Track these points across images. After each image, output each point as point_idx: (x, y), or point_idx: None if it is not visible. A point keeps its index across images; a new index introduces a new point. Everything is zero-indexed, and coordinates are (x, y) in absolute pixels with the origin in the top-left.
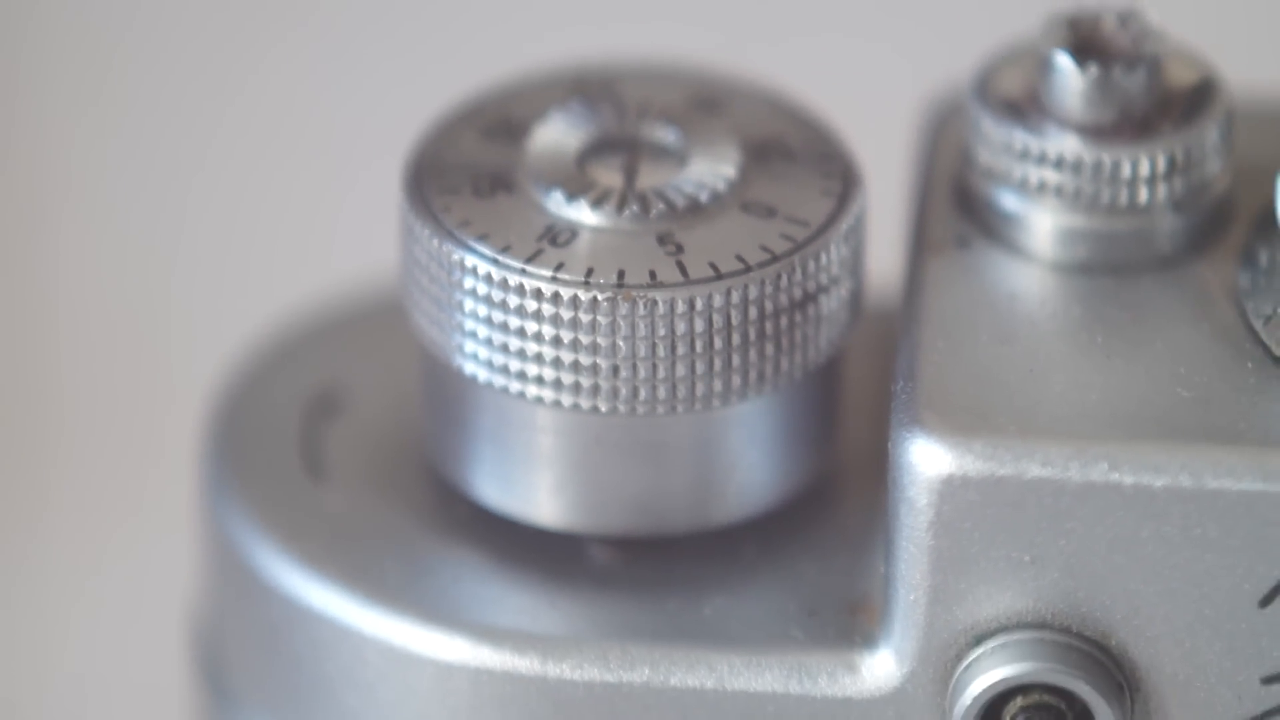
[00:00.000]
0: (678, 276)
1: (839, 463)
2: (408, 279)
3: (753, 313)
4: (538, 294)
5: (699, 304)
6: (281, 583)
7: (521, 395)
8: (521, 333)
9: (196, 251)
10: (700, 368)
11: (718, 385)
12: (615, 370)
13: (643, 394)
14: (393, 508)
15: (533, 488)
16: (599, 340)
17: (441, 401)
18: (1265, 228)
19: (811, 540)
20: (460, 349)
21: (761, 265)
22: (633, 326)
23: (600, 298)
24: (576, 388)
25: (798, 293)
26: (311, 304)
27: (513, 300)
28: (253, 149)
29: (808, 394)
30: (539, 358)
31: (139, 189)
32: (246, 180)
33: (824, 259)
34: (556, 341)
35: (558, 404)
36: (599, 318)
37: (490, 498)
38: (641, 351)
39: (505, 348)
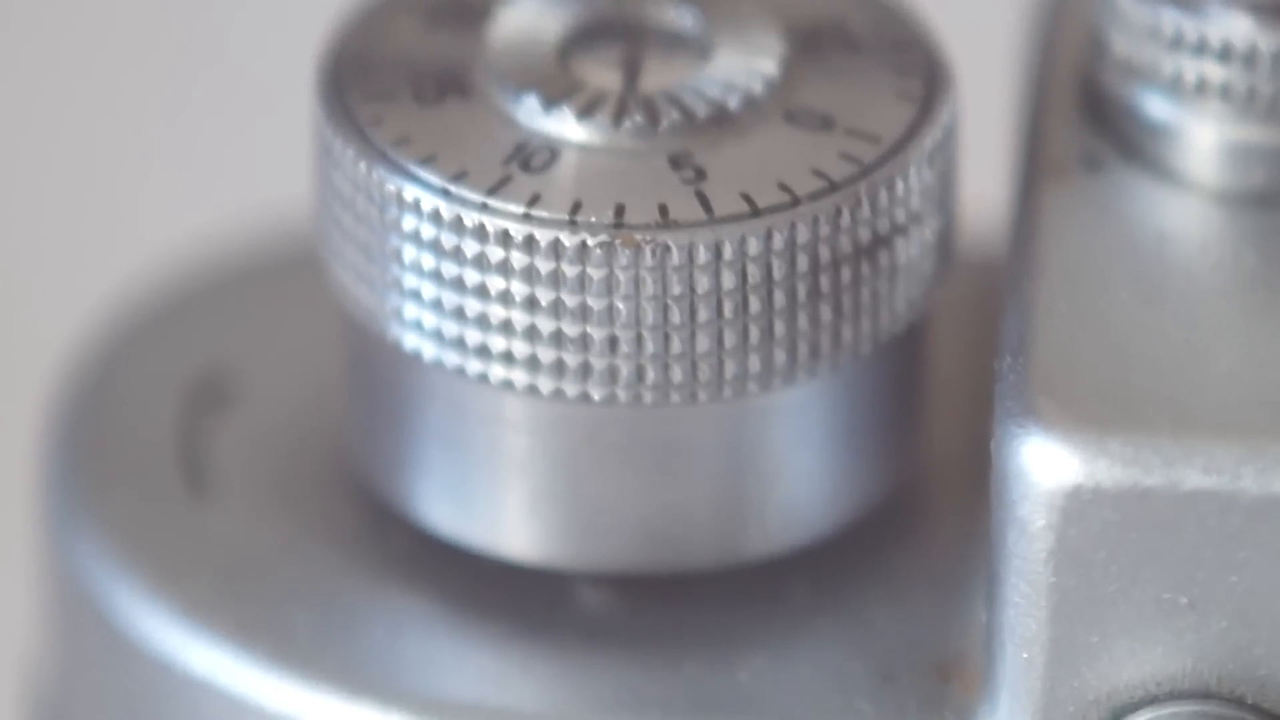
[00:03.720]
0: (698, 213)
1: (922, 471)
2: (325, 219)
3: (803, 263)
4: (504, 238)
5: (728, 251)
6: (152, 639)
7: (483, 378)
8: (483, 292)
9: (35, 193)
10: (730, 340)
11: (755, 364)
12: (612, 343)
13: (651, 376)
14: (304, 536)
15: (499, 507)
16: (590, 302)
17: (372, 389)
18: None
19: (884, 579)
20: (398, 315)
21: (814, 197)
22: (636, 283)
23: (591, 243)
24: (559, 368)
25: (865, 235)
26: (190, 256)
27: (470, 247)
28: (108, 45)
29: (879, 376)
30: (507, 326)
31: None
32: (99, 90)
33: (901, 188)
34: (531, 304)
35: (533, 390)
36: (590, 270)
37: (440, 522)
38: (649, 317)
39: (460, 313)
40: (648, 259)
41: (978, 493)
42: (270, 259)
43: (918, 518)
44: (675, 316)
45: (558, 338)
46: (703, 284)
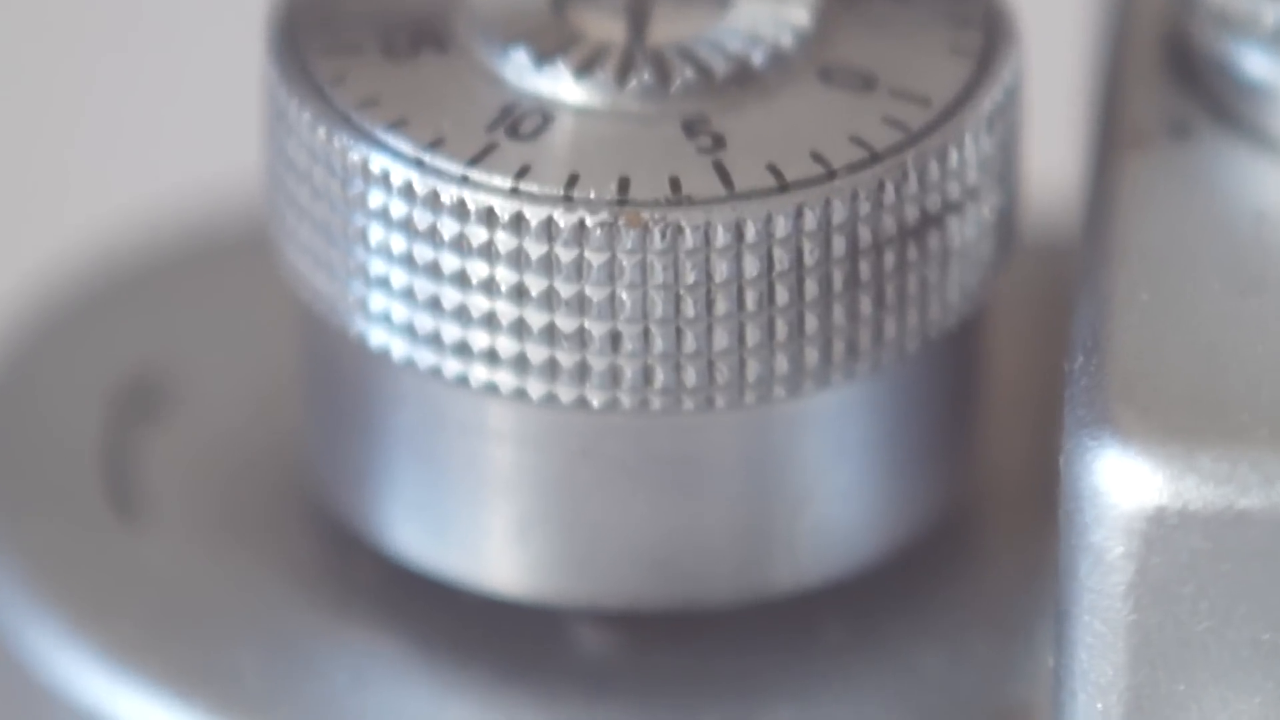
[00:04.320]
0: (716, 188)
1: (978, 491)
2: (277, 195)
3: (839, 246)
4: (488, 216)
5: (751, 232)
6: (73, 686)
7: (463, 381)
8: (462, 280)
9: None
10: (753, 336)
11: (782, 365)
12: (614, 340)
13: (660, 379)
14: (253, 567)
15: (482, 533)
16: (588, 291)
17: (332, 394)
18: None
19: (934, 616)
20: (363, 307)
21: (853, 168)
22: (643, 269)
23: (590, 222)
24: (551, 369)
25: (913, 213)
26: (119, 239)
27: (448, 227)
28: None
29: (928, 378)
30: (491, 320)
31: None
32: (7, 43)
33: (955, 158)
34: (519, 294)
35: (521, 395)
36: (588, 255)
37: (412, 551)
38: (658, 310)
39: (435, 304)
40: (656, 241)
41: (1044, 516)
42: (212, 242)
43: (973, 545)
44: (689, 309)
45: (550, 333)
46: (721, 270)
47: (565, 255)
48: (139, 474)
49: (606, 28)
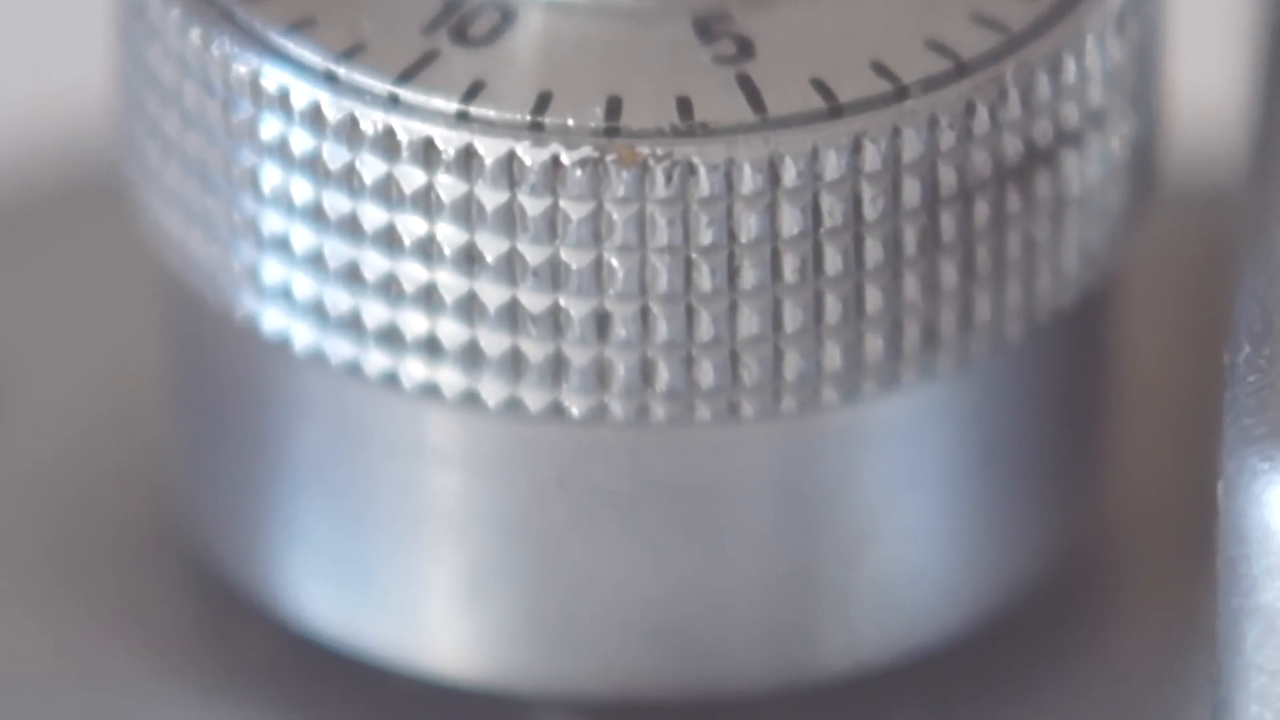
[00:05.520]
0: (742, 111)
1: (1103, 531)
2: (134, 124)
3: (912, 193)
4: (426, 152)
5: (790, 172)
6: None
7: (392, 381)
8: (391, 240)
9: None
10: (794, 318)
11: (833, 358)
12: (601, 324)
13: (664, 379)
14: (99, 636)
15: (417, 595)
16: (565, 256)
17: (210, 401)
18: None
19: (1042, 703)
20: (253, 278)
21: (931, 85)
22: (641, 225)
23: (568, 160)
24: (514, 364)
25: (1014, 147)
26: None
27: (370, 167)
28: None
29: (1037, 378)
30: (430, 297)
31: None
32: None
33: (1074, 71)
34: (468, 259)
35: (472, 401)
36: (565, 205)
37: (319, 618)
38: (661, 282)
39: (353, 274)
40: (659, 185)
41: (1194, 565)
42: (44, 190)
43: (1096, 606)
44: (704, 280)
45: (512, 315)
46: (749, 226)
47: (533, 206)
48: None
49: None
